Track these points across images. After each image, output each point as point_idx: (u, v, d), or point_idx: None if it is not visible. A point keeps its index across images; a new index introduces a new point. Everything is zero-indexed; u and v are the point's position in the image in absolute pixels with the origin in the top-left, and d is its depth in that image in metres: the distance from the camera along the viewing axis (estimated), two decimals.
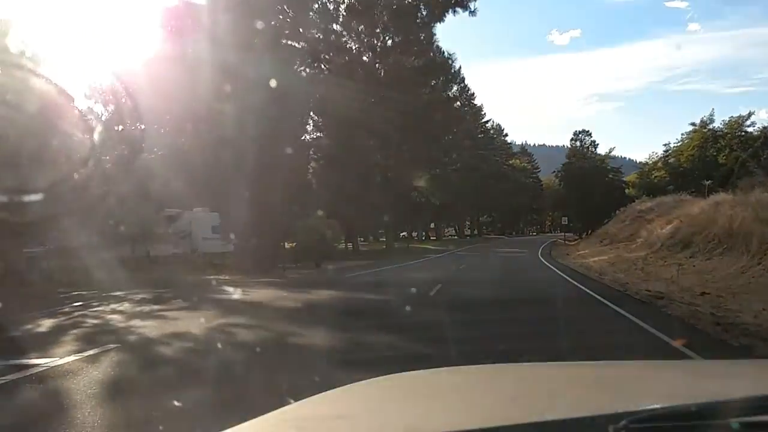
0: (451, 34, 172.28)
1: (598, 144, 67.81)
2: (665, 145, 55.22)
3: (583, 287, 13.93)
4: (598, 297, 11.70)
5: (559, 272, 19.98)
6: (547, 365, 2.48)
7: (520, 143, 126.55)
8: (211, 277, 18.15)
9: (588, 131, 69.32)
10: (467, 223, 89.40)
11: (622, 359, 3.99)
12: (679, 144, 53.34)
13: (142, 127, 27.09)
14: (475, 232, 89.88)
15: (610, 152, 58.78)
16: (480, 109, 67.25)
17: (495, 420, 1.13)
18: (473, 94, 66.01)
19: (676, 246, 22.59)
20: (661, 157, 53.74)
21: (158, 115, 26.29)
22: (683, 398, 1.31)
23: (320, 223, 25.25)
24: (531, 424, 1.07)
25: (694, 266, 18.71)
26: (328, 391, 1.58)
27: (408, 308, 9.57)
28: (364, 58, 37.73)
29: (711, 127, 49.58)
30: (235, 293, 13.22)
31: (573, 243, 55.33)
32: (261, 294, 12.64)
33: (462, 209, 64.72)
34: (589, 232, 56.94)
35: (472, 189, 61.39)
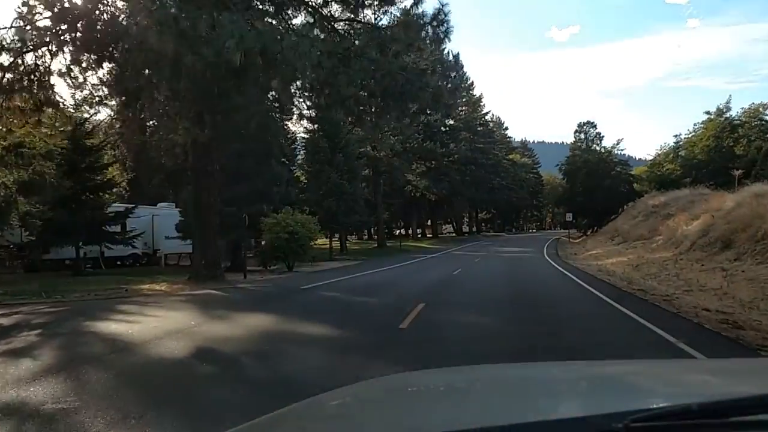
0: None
1: (603, 136, 64.08)
2: (676, 136, 51.77)
3: (621, 307, 10.17)
4: (654, 327, 7.95)
5: (578, 281, 16.34)
6: (547, 365, 2.70)
7: (519, 140, 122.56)
8: (132, 287, 14.50)
9: (593, 123, 65.50)
10: (465, 220, 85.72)
11: None
12: (691, 135, 49.75)
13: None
14: (474, 229, 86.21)
15: (617, 144, 55.18)
16: (479, 99, 63.48)
17: (495, 420, 1.13)
18: (472, 83, 62.32)
19: (712, 246, 18.96)
20: (672, 149, 50.11)
21: None
22: (684, 397, 1.33)
23: (292, 218, 21.57)
24: (531, 423, 1.07)
25: (742, 272, 15.09)
26: (329, 392, 1.58)
27: (346, 366, 5.78)
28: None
29: (727, 115, 46.13)
30: (126, 318, 9.37)
31: (578, 241, 51.81)
32: (157, 323, 8.55)
33: (460, 205, 61.01)
34: (595, 228, 53.34)
35: (470, 183, 57.76)
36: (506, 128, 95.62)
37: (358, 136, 38.21)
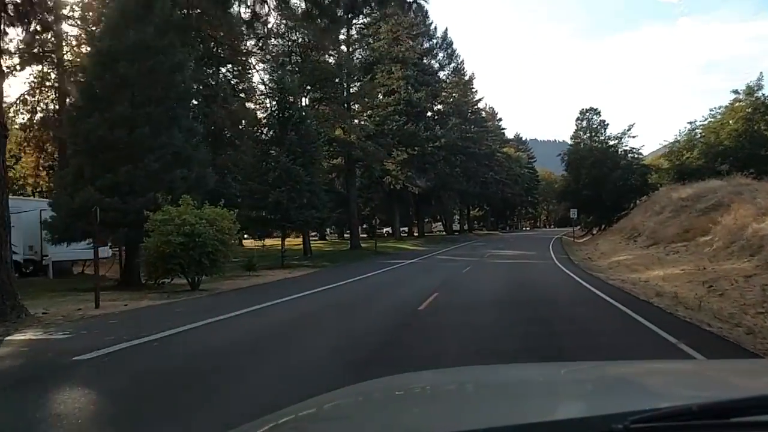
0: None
1: (608, 124, 57.23)
2: (690, 123, 45.09)
3: None
4: None
5: (632, 314, 9.55)
6: (547, 365, 2.81)
7: (512, 135, 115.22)
8: None
9: (596, 109, 58.83)
10: (456, 217, 78.98)
11: None
12: (711, 120, 43.17)
13: None
14: (466, 227, 79.47)
15: (628, 129, 48.00)
16: (470, 81, 56.51)
17: (495, 420, 1.13)
18: (462, 61, 55.40)
19: None
20: (692, 135, 43.44)
21: None
22: (684, 398, 1.35)
23: (194, 213, 14.61)
24: (531, 424, 1.06)
25: None
26: (329, 392, 1.60)
27: None
28: None
29: (758, 95, 39.64)
30: None
31: (583, 240, 45.22)
32: None
33: (449, 200, 54.21)
34: (603, 226, 46.70)
35: (460, 175, 51.05)
36: (500, 119, 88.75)
37: (323, 115, 31.32)
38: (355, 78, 33.28)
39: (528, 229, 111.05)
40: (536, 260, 24.28)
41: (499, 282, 15.94)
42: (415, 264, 24.20)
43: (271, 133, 24.54)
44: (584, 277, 16.51)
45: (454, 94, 51.51)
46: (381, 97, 36.39)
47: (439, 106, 50.13)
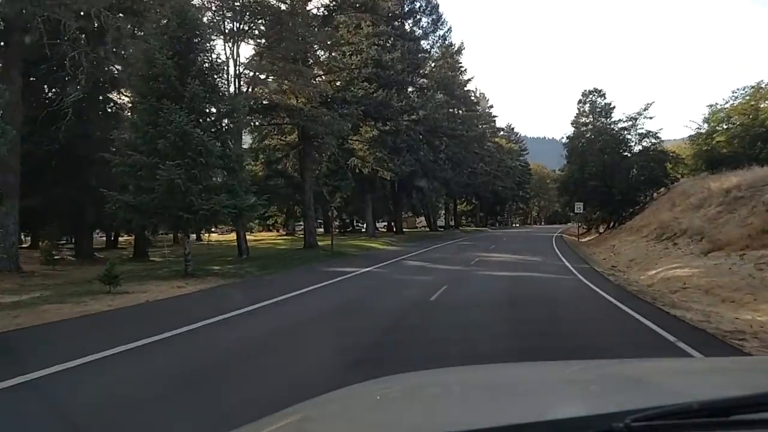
0: None
1: (614, 107, 49.60)
2: (710, 106, 37.94)
3: None
4: None
5: None
6: (547, 364, 2.58)
7: (503, 125, 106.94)
8: None
9: (601, 90, 51.45)
10: (441, 212, 71.60)
11: None
12: (738, 102, 36.05)
13: None
14: (452, 222, 72.10)
15: (645, 109, 40.25)
16: (459, 51, 48.60)
17: (496, 420, 1.12)
18: (450, 29, 47.61)
19: None
20: (724, 118, 36.22)
21: None
22: (684, 396, 1.31)
23: None
24: (532, 424, 1.06)
25: None
26: (330, 392, 1.57)
27: None
28: None
29: None
30: None
31: (591, 240, 38.06)
32: None
33: (432, 190, 46.70)
34: (613, 223, 39.45)
35: (446, 161, 43.62)
36: (491, 106, 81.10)
37: (263, 68, 23.55)
38: (314, 27, 25.36)
39: (518, 225, 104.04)
40: (548, 271, 16.76)
41: (500, 328, 8.41)
42: (366, 277, 16.56)
43: (158, 80, 16.66)
44: (656, 318, 8.93)
45: (439, 67, 43.76)
46: (345, 57, 28.52)
47: (423, 80, 42.42)
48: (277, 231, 58.44)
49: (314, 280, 15.31)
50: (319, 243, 29.93)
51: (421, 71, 39.87)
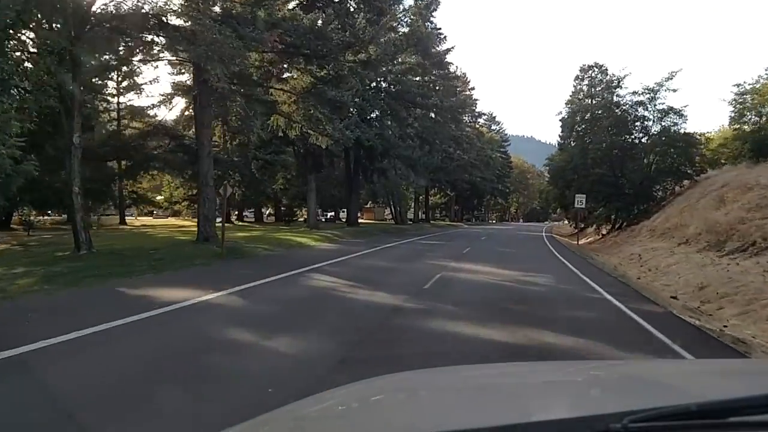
0: None
1: (625, 76, 40.21)
2: (737, 85, 29.71)
3: None
4: None
5: None
6: (547, 364, 2.65)
7: (484, 111, 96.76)
8: None
9: (601, 65, 42.89)
10: (411, 203, 62.64)
11: None
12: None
13: None
14: (423, 215, 63.20)
15: (669, 79, 31.22)
16: (431, 5, 39.18)
17: (493, 420, 1.11)
18: None
19: None
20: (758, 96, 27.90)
21: None
22: (683, 397, 1.31)
23: None
24: (529, 424, 1.06)
25: None
26: (328, 391, 1.54)
27: None
28: None
29: None
30: None
31: (595, 242, 29.52)
32: None
33: (396, 174, 37.57)
34: (621, 223, 30.86)
35: (415, 138, 34.56)
36: (472, 88, 71.72)
37: None
38: None
39: (494, 222, 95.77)
40: (588, 323, 7.72)
41: None
42: (162, 330, 7.34)
43: None
44: None
45: (409, 16, 34.49)
46: None
47: (393, 34, 32.96)
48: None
49: (123, 313, 6.02)
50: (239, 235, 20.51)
51: (384, 19, 30.50)
